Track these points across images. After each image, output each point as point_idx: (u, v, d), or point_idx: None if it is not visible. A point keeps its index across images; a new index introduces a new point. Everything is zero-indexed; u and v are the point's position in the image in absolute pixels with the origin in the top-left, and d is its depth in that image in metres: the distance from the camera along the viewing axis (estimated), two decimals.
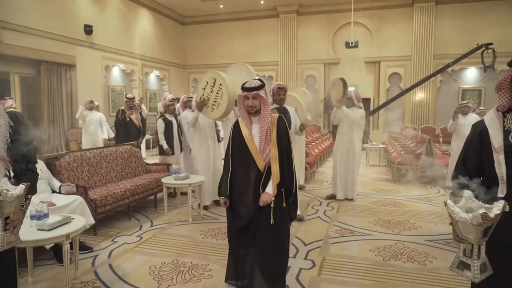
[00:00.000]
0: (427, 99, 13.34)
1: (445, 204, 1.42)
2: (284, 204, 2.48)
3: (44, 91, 9.42)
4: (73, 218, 2.89)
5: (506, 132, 1.59)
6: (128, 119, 6.78)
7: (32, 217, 2.68)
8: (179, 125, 5.89)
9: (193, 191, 5.25)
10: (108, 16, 11.74)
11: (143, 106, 9.79)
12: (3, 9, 8.19)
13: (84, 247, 3.54)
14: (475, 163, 1.68)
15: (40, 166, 3.66)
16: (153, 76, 14.66)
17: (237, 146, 2.57)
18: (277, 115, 2.63)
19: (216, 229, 4.21)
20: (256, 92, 2.47)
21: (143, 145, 8.86)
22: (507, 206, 1.35)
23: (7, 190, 1.44)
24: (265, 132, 2.49)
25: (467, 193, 1.47)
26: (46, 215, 2.70)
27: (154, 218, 4.69)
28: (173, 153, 5.80)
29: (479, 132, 1.67)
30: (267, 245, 2.47)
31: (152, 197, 5.21)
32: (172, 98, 5.95)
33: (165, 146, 5.72)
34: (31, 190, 1.71)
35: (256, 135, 2.53)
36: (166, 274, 3.07)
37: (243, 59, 14.93)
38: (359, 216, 4.79)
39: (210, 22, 15.72)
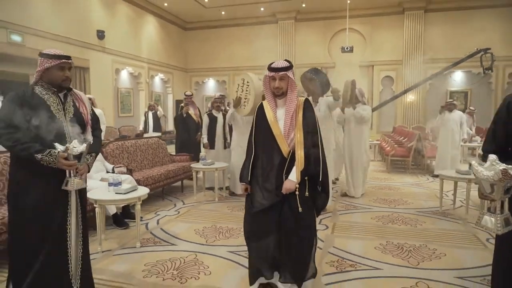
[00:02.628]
0: (418, 100, 14.24)
1: (470, 165, 1.70)
2: (307, 193, 2.35)
3: None
4: (137, 188, 3.61)
5: None
6: (185, 115, 6.93)
7: (110, 184, 3.41)
8: (224, 122, 6.10)
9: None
10: (118, 22, 12.44)
11: (159, 108, 10.33)
12: (27, 16, 8.86)
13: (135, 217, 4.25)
14: (503, 133, 1.73)
15: None
16: (158, 79, 15.35)
17: (261, 129, 2.47)
18: (304, 98, 2.51)
19: (241, 205, 4.92)
20: (284, 72, 2.35)
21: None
22: None
23: (74, 147, 2.05)
24: (291, 116, 2.38)
25: (492, 156, 1.54)
26: (120, 183, 3.44)
27: (184, 199, 5.42)
28: (212, 148, 6.13)
29: (507, 104, 1.72)
30: (291, 236, 2.36)
31: (179, 183, 5.92)
32: (220, 95, 6.37)
33: (205, 140, 6.12)
34: (97, 149, 2.43)
35: (281, 119, 2.41)
36: (209, 234, 3.81)
37: (243, 63, 15.75)
38: (360, 196, 5.55)
39: (212, 28, 16.46)
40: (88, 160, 2.29)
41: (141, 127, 9.92)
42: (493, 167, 1.50)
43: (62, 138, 2.13)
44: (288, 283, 2.43)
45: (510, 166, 1.46)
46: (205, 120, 6.18)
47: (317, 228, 3.82)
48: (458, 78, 13.97)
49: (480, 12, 13.36)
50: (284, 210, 2.37)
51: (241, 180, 2.57)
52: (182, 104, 7.17)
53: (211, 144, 6.16)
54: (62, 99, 2.25)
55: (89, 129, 2.32)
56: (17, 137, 2.01)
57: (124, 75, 13.18)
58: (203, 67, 16.85)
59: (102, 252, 3.29)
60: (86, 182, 2.27)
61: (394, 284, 2.67)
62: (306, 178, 2.34)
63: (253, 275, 2.53)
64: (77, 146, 2.09)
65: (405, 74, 14.17)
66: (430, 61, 13.82)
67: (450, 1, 13.41)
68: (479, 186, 1.57)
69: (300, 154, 2.32)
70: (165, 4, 14.21)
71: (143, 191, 3.54)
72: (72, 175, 2.13)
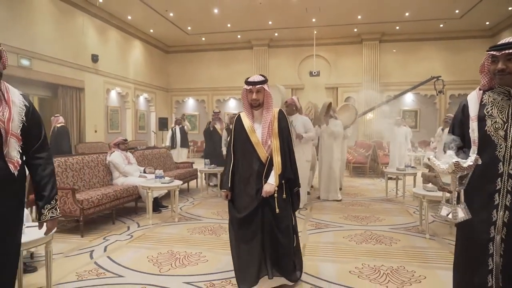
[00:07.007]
0: (376, 118, 16.33)
1: (428, 159, 1.65)
2: (285, 195, 2.56)
3: (60, 111, 11.10)
4: (174, 180, 5.02)
5: (482, 106, 1.83)
6: (211, 129, 7.83)
7: (157, 177, 4.80)
8: None
9: None
10: (110, 46, 13.70)
11: (186, 122, 10.68)
12: (34, 42, 9.97)
13: (163, 206, 5.61)
14: (459, 131, 1.93)
15: (131, 157, 5.72)
16: (142, 98, 16.55)
17: (240, 138, 2.66)
18: (278, 109, 2.72)
19: None
20: (260, 85, 2.56)
21: None
22: (479, 160, 1.58)
23: None
24: (268, 125, 2.59)
25: (449, 152, 1.66)
26: (163, 176, 4.84)
27: (193, 196, 6.82)
28: None
29: (462, 106, 1.93)
30: (273, 236, 2.55)
31: (184, 185, 7.30)
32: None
33: (225, 152, 6.96)
34: (45, 182, 1.91)
35: (258, 128, 2.62)
36: (224, 215, 5.23)
37: (221, 84, 17.36)
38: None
39: (192, 51, 17.93)
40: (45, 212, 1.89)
41: (168, 143, 10.06)
42: (450, 161, 1.58)
43: None
44: (276, 277, 2.59)
45: (463, 160, 1.57)
46: (225, 134, 7.31)
47: (299, 215, 5.32)
48: (409, 99, 16.24)
49: (425, 43, 15.77)
50: (265, 212, 2.57)
51: (221, 188, 2.80)
52: (210, 120, 8.15)
53: None
54: None
55: (12, 142, 1.79)
56: None
57: (113, 94, 14.33)
58: (184, 87, 18.23)
59: (152, 224, 4.65)
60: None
61: (351, 232, 4.27)
62: (283, 181, 2.58)
63: (240, 279, 2.62)
64: None
65: (365, 95, 16.25)
66: (385, 84, 16.07)
67: (400, 33, 15.73)
68: (437, 179, 1.67)
69: (277, 160, 2.56)
70: (151, 31, 15.63)
71: (179, 182, 4.98)
72: None
